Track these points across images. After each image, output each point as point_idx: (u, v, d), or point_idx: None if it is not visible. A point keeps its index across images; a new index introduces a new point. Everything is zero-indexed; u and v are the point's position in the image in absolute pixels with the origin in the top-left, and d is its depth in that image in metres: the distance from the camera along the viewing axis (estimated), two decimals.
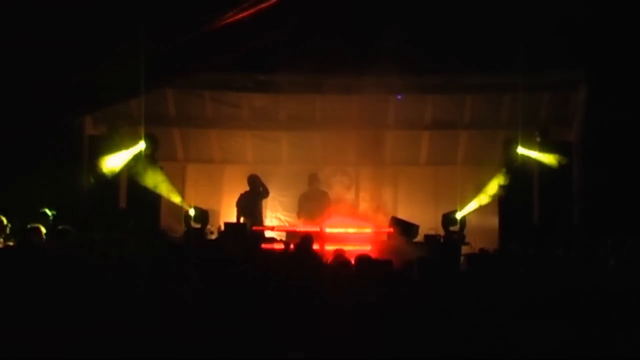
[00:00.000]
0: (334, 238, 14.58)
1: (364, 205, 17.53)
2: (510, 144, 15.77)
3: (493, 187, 15.26)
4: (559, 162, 15.06)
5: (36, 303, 7.33)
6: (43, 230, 11.43)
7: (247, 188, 16.40)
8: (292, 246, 13.02)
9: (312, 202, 16.30)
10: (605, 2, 13.70)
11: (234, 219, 16.16)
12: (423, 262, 10.08)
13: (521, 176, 15.76)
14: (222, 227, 15.25)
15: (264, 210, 16.65)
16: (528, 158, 15.59)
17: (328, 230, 15.01)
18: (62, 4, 12.10)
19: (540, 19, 13.78)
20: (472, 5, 13.90)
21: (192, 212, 15.34)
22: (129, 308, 7.18)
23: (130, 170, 15.57)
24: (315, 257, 11.81)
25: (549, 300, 8.05)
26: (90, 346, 6.67)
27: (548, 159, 15.27)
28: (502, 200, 15.86)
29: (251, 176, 16.34)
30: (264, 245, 14.27)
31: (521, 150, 15.30)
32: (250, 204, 16.09)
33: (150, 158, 15.73)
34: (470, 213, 15.48)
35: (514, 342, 7.19)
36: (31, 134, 13.32)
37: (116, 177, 15.54)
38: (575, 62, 14.64)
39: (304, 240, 12.52)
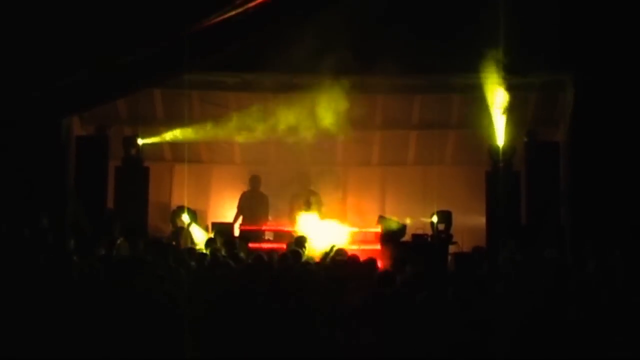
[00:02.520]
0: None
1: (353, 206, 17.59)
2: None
3: None
4: None
5: None
6: None
7: (234, 187, 16.45)
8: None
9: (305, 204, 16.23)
10: (594, 4, 13.74)
11: (221, 219, 16.17)
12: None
13: (508, 176, 15.79)
14: (210, 227, 15.27)
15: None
16: (515, 158, 15.68)
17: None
18: (50, 5, 12.08)
19: (529, 19, 13.80)
20: (460, 5, 13.92)
21: (185, 217, 15.26)
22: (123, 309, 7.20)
23: (118, 170, 15.63)
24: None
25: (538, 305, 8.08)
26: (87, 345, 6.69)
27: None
28: (489, 199, 15.88)
29: (253, 176, 16.43)
30: (252, 245, 14.30)
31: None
32: (250, 203, 16.14)
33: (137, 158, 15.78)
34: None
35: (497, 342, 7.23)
36: (18, 134, 13.27)
37: (104, 177, 15.53)
38: (563, 63, 14.67)
39: (298, 241, 12.57)
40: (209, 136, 16.37)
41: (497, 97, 15.78)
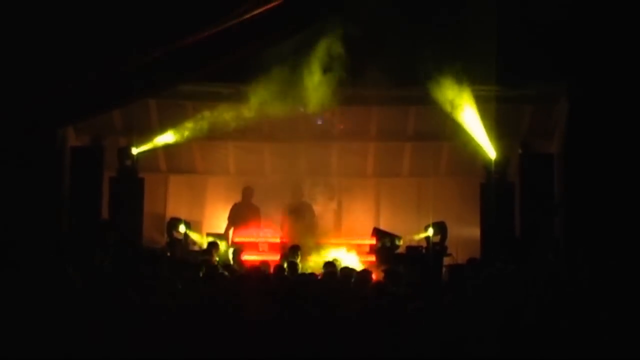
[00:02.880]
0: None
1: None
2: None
3: None
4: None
5: None
6: None
7: (228, 198, 16.49)
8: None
9: (296, 214, 16.22)
10: (587, 15, 13.78)
11: (216, 230, 16.17)
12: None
13: (502, 187, 15.81)
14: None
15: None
16: (509, 169, 15.73)
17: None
18: (48, 15, 12.09)
19: (523, 31, 13.85)
20: (455, 17, 13.96)
21: (182, 228, 15.31)
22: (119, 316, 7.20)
23: (113, 181, 15.63)
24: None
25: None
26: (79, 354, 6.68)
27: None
28: (484, 211, 15.89)
29: (246, 188, 16.46)
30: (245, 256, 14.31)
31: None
32: (241, 214, 16.16)
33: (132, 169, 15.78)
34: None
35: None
36: (13, 144, 13.26)
37: (98, 188, 15.52)
38: (557, 74, 14.70)
39: (292, 250, 12.63)
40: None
41: (492, 109, 15.84)
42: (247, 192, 16.60)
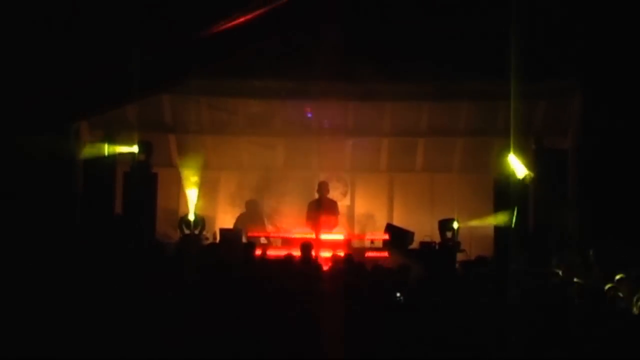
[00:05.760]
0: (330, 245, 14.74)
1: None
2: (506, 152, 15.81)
3: None
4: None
5: None
6: None
7: (242, 193, 16.52)
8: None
9: (321, 210, 16.14)
10: (602, 10, 13.73)
11: (229, 226, 16.18)
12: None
13: (516, 183, 15.76)
14: (218, 234, 15.29)
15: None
16: (522, 165, 15.69)
17: (323, 237, 15.12)
18: (60, 10, 12.13)
19: (537, 26, 13.80)
20: (469, 12, 13.93)
21: (191, 216, 15.43)
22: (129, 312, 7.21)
23: (127, 176, 15.67)
24: (315, 263, 11.94)
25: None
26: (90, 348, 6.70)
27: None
28: (497, 207, 15.87)
29: (322, 182, 16.39)
30: (258, 252, 14.30)
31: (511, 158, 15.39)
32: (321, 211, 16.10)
33: (145, 164, 15.80)
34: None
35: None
36: (26, 139, 13.30)
37: (112, 183, 15.56)
38: (571, 70, 14.66)
39: (304, 247, 12.64)
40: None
41: (505, 104, 15.79)
42: (323, 187, 16.42)
